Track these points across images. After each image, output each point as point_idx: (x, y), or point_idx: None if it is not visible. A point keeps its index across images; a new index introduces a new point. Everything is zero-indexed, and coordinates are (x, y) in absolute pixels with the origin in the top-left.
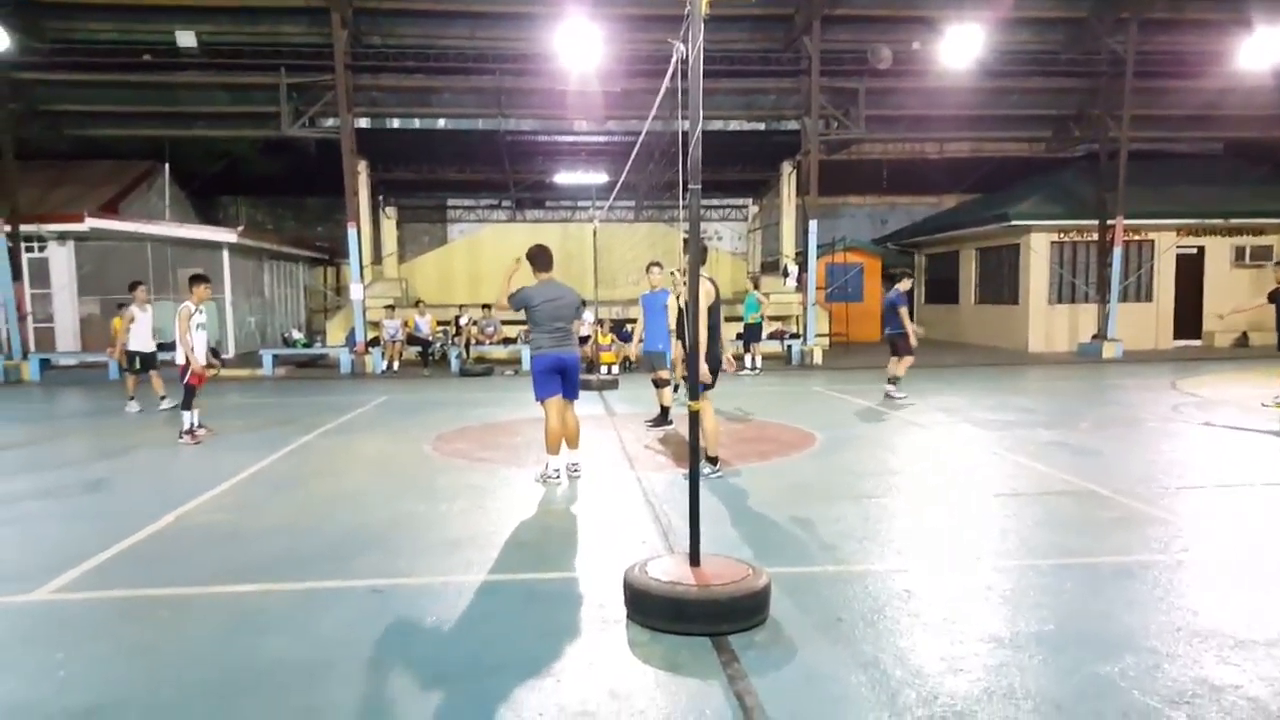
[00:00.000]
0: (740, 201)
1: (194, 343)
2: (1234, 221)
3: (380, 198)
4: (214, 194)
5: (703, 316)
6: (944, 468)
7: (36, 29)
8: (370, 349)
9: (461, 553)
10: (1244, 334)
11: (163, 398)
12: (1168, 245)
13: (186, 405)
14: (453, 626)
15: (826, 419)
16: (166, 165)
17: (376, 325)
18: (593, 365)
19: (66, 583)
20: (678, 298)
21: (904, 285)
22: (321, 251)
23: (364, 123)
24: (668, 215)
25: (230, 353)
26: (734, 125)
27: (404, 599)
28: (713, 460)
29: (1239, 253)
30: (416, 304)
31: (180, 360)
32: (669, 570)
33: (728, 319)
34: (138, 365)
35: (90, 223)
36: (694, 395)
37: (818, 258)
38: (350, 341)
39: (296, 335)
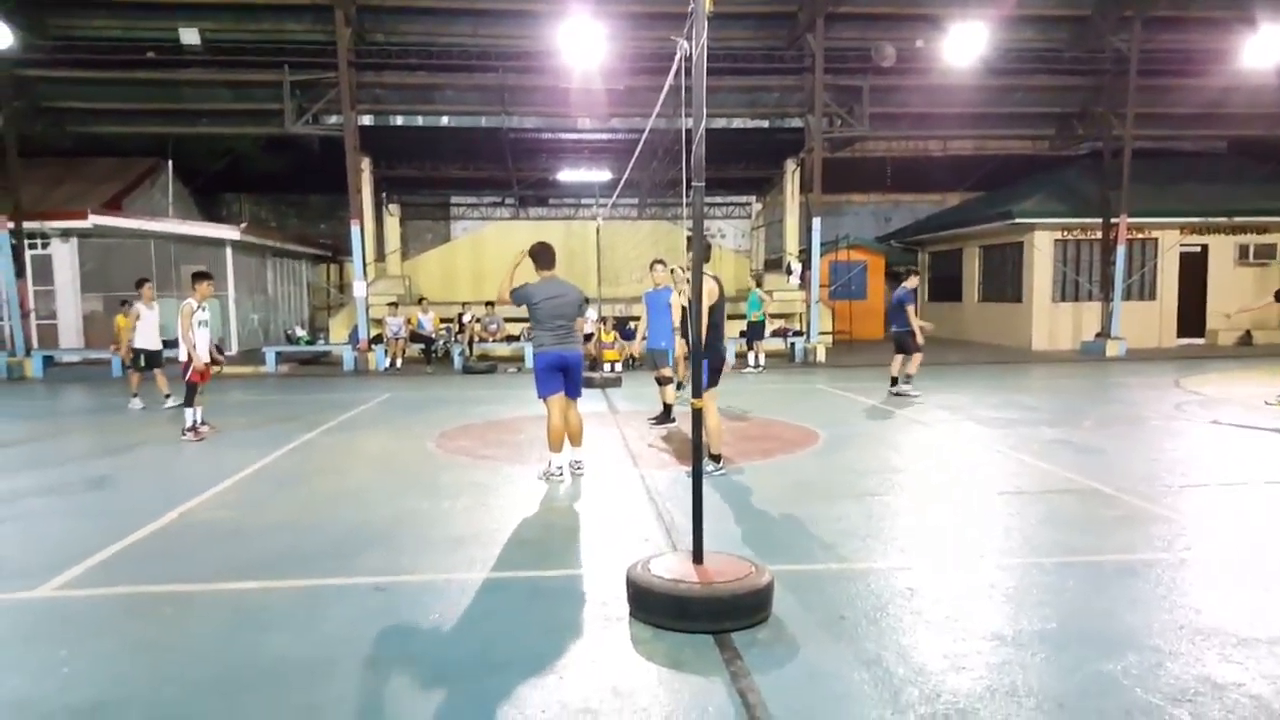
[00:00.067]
0: (744, 199)
1: (196, 340)
2: (1238, 220)
3: (383, 195)
4: (217, 191)
5: (706, 314)
6: (947, 465)
7: (40, 26)
8: (373, 346)
9: (464, 550)
10: (1247, 332)
11: (167, 396)
12: (1171, 243)
13: (188, 402)
14: (456, 624)
15: (829, 417)
16: (170, 162)
17: (379, 322)
18: (596, 363)
19: (70, 580)
20: (681, 295)
21: (911, 283)
22: (325, 249)
23: (367, 120)
24: (671, 213)
25: (233, 350)
26: (738, 123)
27: (407, 596)
28: (716, 458)
29: (1242, 251)
30: (419, 301)
31: (183, 357)
32: (672, 568)
33: (731, 317)
34: (143, 363)
35: (93, 220)
36: (697, 393)
37: (821, 255)
38: (353, 339)
39: (300, 332)
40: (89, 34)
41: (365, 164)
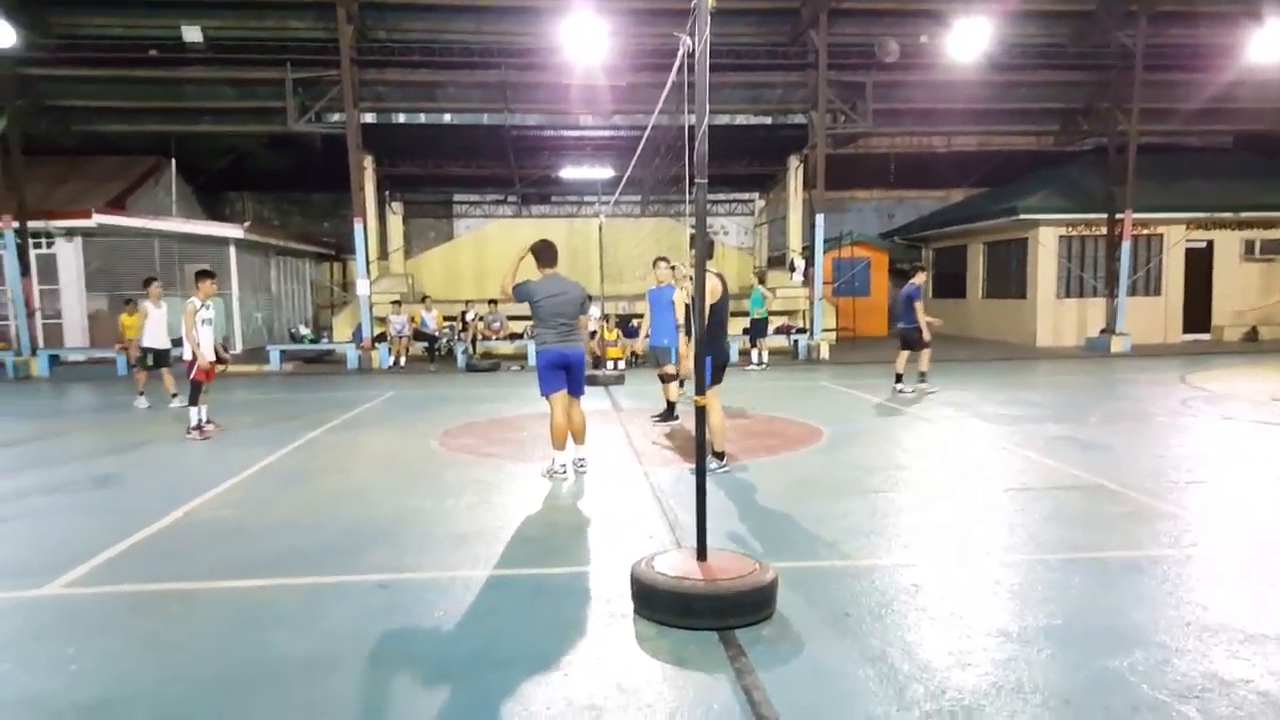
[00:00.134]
0: (747, 196)
1: (199, 338)
2: (1243, 215)
3: (386, 193)
4: (220, 189)
5: (709, 312)
6: (952, 462)
7: (43, 24)
8: (377, 344)
9: (468, 547)
10: (1254, 328)
11: (173, 395)
12: (1177, 239)
13: (193, 401)
14: (459, 621)
15: (833, 414)
16: (173, 161)
17: (383, 321)
18: (599, 360)
19: (76, 578)
20: (684, 293)
21: (919, 279)
22: (328, 247)
23: (370, 118)
24: (674, 210)
25: (237, 348)
26: (740, 119)
27: (410, 594)
28: (719, 455)
29: (1248, 246)
30: (423, 299)
31: (187, 356)
32: (676, 565)
33: (734, 314)
34: (150, 361)
35: (98, 218)
36: (700, 390)
37: (825, 252)
38: (357, 337)
39: (303, 331)
40: (92, 32)
41: (368, 162)
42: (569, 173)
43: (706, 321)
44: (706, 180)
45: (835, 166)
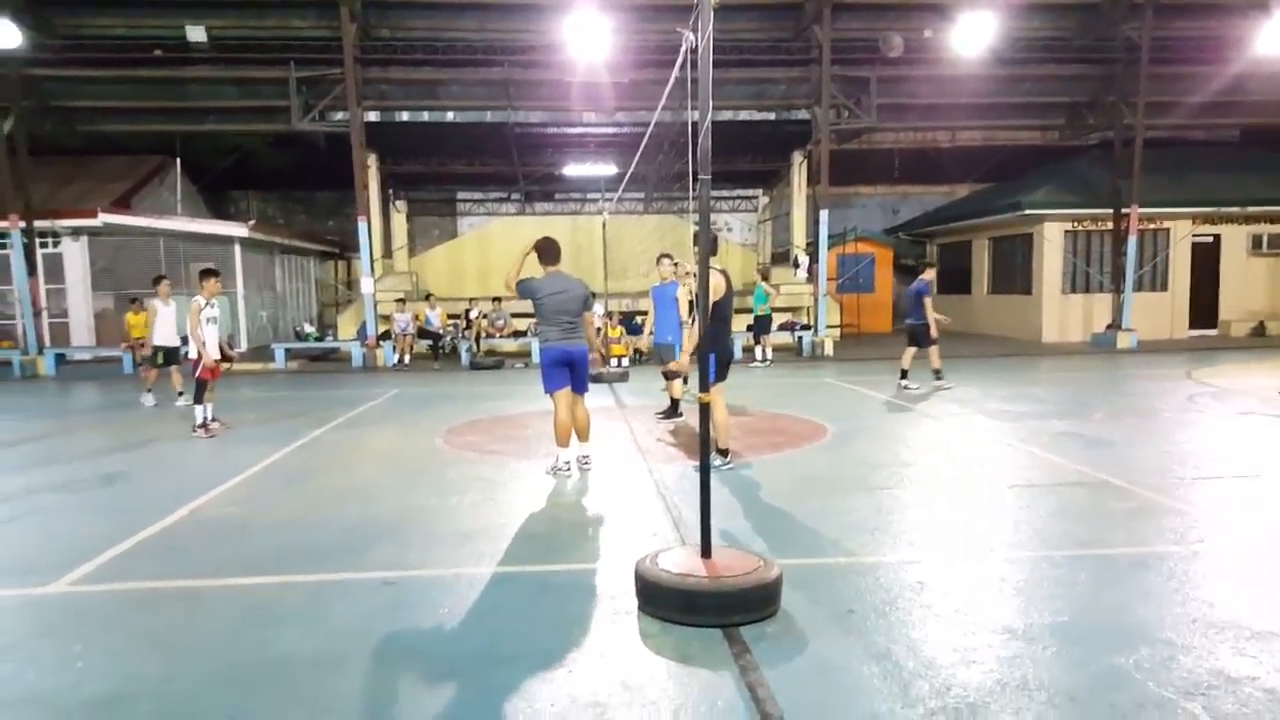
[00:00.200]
0: (750, 192)
1: (204, 337)
2: (1250, 210)
3: (390, 191)
4: (225, 188)
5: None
6: (957, 459)
7: (47, 25)
8: (381, 342)
9: (473, 545)
10: (1260, 323)
11: (180, 394)
12: (1183, 234)
13: (198, 399)
14: (464, 618)
15: (838, 410)
16: (178, 160)
17: (387, 319)
18: (604, 358)
19: (83, 575)
20: (689, 291)
21: (928, 275)
22: (332, 245)
23: (373, 116)
24: (678, 206)
25: (243, 347)
26: (744, 115)
27: (415, 591)
28: (724, 452)
29: (1255, 241)
30: (427, 297)
31: (192, 354)
32: (680, 562)
33: (738, 311)
34: (160, 359)
35: (103, 218)
36: (704, 387)
37: (829, 248)
38: (361, 335)
39: (308, 329)
40: (96, 33)
41: (371, 160)
42: (572, 170)
43: (710, 318)
44: (710, 176)
45: (839, 162)
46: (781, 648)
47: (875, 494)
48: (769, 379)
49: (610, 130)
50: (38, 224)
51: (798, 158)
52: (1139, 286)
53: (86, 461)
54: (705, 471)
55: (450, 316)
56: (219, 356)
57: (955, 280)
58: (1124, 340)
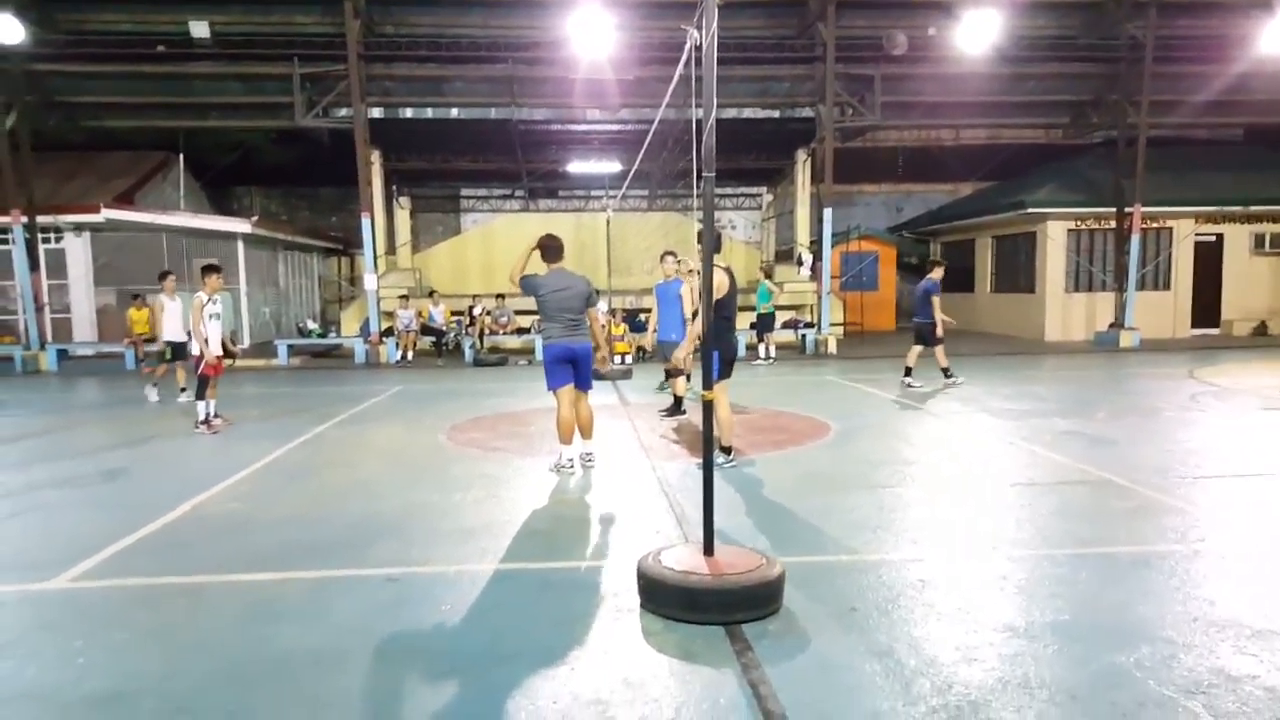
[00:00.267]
0: (754, 190)
1: (207, 333)
2: (1253, 209)
3: (394, 188)
4: (228, 184)
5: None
6: (959, 457)
7: (50, 21)
8: (384, 339)
9: (475, 542)
10: (1263, 323)
11: (183, 389)
12: (1186, 233)
13: (201, 395)
14: (466, 615)
15: (841, 408)
16: (181, 156)
17: (391, 315)
18: (610, 356)
19: (85, 571)
20: (692, 289)
21: (936, 274)
22: (336, 242)
23: (377, 112)
24: (681, 204)
25: (246, 343)
26: (748, 113)
27: (418, 588)
28: (727, 450)
29: (1258, 240)
30: (430, 294)
31: (195, 351)
32: (683, 560)
33: (741, 309)
34: (168, 354)
35: (106, 214)
36: (708, 385)
37: (832, 246)
38: (365, 332)
39: (311, 325)
40: (99, 28)
41: (375, 156)
42: (576, 167)
43: (714, 316)
44: (714, 174)
45: (843, 160)
46: (783, 645)
47: (877, 492)
48: (772, 377)
49: (614, 127)
50: (40, 219)
51: (801, 155)
52: (1142, 285)
53: (88, 457)
54: (708, 469)
55: (454, 313)
56: (222, 353)
57: (958, 279)
58: (1126, 339)
